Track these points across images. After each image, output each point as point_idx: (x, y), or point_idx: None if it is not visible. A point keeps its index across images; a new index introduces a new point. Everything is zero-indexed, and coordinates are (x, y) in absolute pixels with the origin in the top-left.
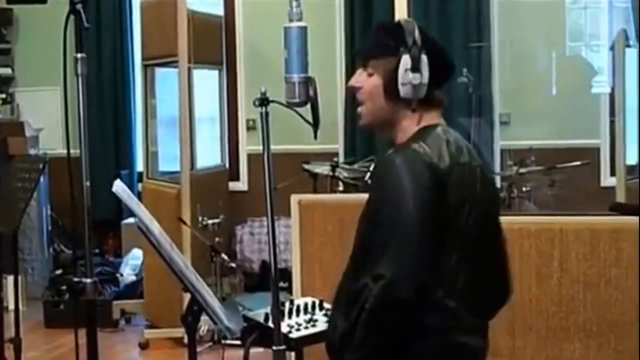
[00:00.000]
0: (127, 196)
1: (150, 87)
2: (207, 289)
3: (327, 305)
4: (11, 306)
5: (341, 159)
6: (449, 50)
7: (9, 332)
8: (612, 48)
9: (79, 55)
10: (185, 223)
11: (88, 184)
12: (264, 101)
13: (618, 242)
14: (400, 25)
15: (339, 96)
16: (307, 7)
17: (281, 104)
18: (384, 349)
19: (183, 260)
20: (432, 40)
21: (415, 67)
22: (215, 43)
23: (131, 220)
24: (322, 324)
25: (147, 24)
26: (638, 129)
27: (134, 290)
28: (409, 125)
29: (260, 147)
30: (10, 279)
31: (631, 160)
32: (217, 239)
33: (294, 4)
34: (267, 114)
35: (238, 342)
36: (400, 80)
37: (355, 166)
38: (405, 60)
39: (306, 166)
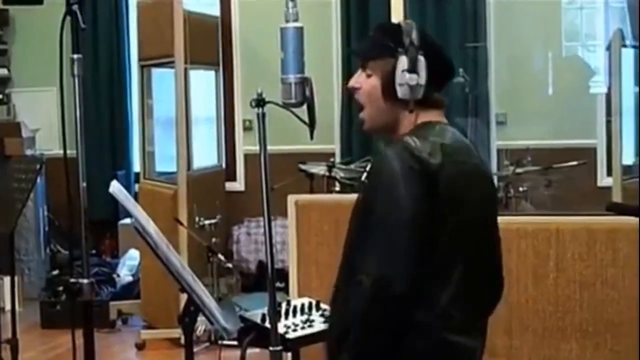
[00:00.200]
0: (123, 197)
1: (147, 88)
2: (203, 289)
3: (323, 306)
4: (8, 307)
5: (337, 159)
6: (446, 51)
7: (6, 333)
8: (608, 48)
9: (75, 56)
10: (181, 223)
11: (84, 184)
12: (260, 102)
13: (614, 242)
14: (399, 26)
15: (335, 97)
16: (303, 7)
17: (277, 104)
18: (377, 347)
19: (180, 261)
20: (432, 42)
21: (412, 68)
22: (211, 43)
23: (128, 220)
24: (318, 325)
25: (143, 25)
26: (634, 129)
27: (130, 290)
28: (408, 125)
29: (257, 148)
30: (6, 279)
31: (627, 160)
32: (213, 240)
33: (290, 4)
34: (263, 114)
35: (235, 343)
36: (397, 81)
37: (352, 166)
38: (403, 61)
39: (303, 166)
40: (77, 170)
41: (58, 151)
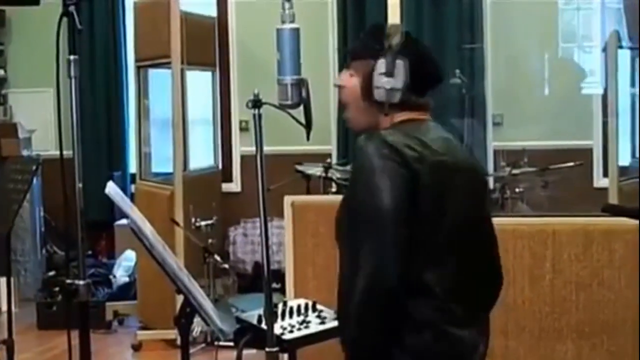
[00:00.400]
0: (119, 198)
1: (143, 88)
2: (200, 290)
3: (320, 307)
4: (4, 308)
5: (334, 160)
6: (441, 52)
7: (2, 334)
8: (604, 49)
9: (71, 57)
10: (178, 224)
11: (81, 185)
12: (256, 103)
13: (611, 243)
14: (384, 29)
15: (331, 98)
16: (299, 8)
17: (274, 105)
18: (375, 341)
19: (176, 262)
20: (420, 48)
21: (389, 72)
22: (208, 44)
23: (124, 221)
24: (315, 326)
25: (140, 25)
26: (631, 130)
27: (126, 291)
28: (386, 126)
29: (253, 149)
30: (3, 280)
31: (624, 161)
32: (210, 240)
33: (287, 5)
34: (259, 115)
35: (231, 344)
36: (374, 83)
37: (348, 167)
38: (380, 64)
39: (299, 167)
40: (73, 171)
41: (54, 152)
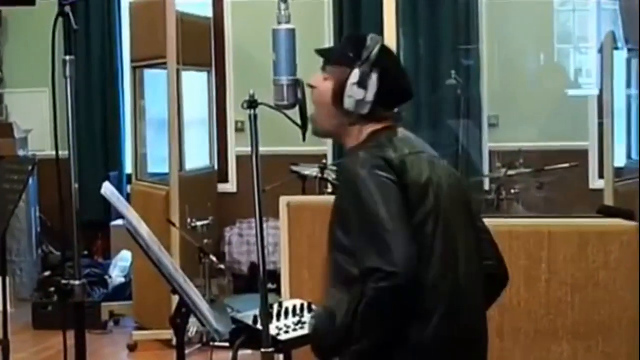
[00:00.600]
0: (115, 199)
1: (139, 89)
2: (195, 291)
3: (316, 308)
4: None
5: (330, 160)
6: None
7: None
8: (600, 50)
9: (67, 57)
10: (174, 225)
11: (77, 185)
12: (252, 103)
13: (606, 244)
14: (365, 39)
15: None
16: (295, 9)
17: (270, 106)
18: (383, 340)
19: (172, 262)
20: (394, 63)
21: (362, 83)
22: (204, 45)
23: (120, 222)
24: None
25: (136, 26)
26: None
27: (122, 292)
28: (355, 137)
29: (249, 149)
30: None
31: (619, 162)
32: (206, 241)
33: (283, 6)
34: (255, 116)
35: (227, 344)
36: (347, 91)
37: None
38: (355, 74)
39: (295, 168)
40: (69, 171)
41: (50, 152)
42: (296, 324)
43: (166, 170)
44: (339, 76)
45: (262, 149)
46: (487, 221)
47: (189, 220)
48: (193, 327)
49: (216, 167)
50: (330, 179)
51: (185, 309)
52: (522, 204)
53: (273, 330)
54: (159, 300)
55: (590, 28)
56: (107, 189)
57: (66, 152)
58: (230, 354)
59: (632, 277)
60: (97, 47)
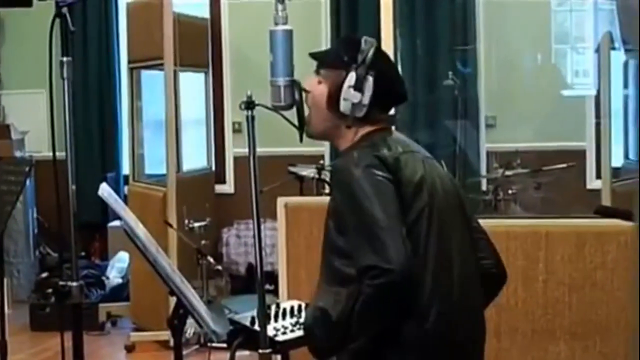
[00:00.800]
0: (112, 200)
1: (136, 90)
2: (193, 292)
3: (306, 306)
4: None
5: (327, 161)
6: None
7: None
8: (597, 50)
9: (64, 58)
10: (171, 226)
11: (74, 186)
12: (249, 104)
13: (603, 244)
14: (359, 42)
15: None
16: (292, 10)
17: (267, 107)
18: (379, 337)
19: (169, 263)
20: (388, 65)
21: (358, 86)
22: (201, 46)
23: (117, 223)
24: None
25: (133, 27)
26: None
27: (120, 293)
28: (349, 139)
29: (246, 150)
30: None
31: (617, 162)
32: (203, 242)
33: (280, 7)
34: (252, 117)
35: (224, 346)
36: (342, 95)
37: None
38: (351, 77)
39: (292, 169)
40: (66, 172)
41: (47, 153)
42: (294, 325)
43: (163, 171)
44: (335, 79)
45: (260, 150)
46: (485, 221)
47: (186, 221)
48: (190, 328)
49: (213, 168)
50: (327, 179)
51: (183, 310)
52: (520, 204)
53: (270, 331)
54: (156, 301)
55: (587, 28)
56: (105, 190)
57: (63, 153)
58: (227, 355)
59: (630, 277)
60: (94, 48)
